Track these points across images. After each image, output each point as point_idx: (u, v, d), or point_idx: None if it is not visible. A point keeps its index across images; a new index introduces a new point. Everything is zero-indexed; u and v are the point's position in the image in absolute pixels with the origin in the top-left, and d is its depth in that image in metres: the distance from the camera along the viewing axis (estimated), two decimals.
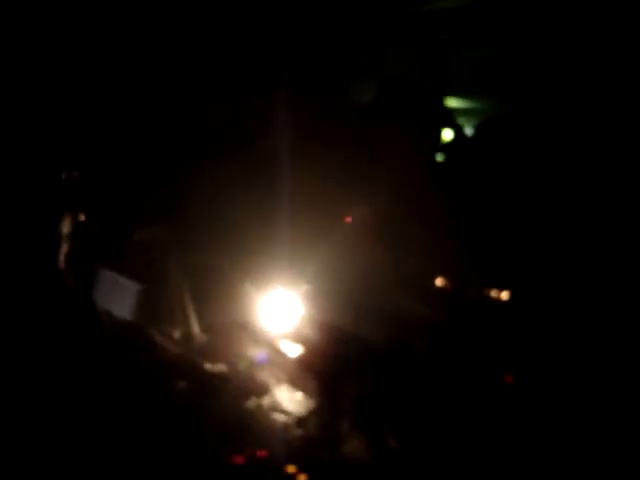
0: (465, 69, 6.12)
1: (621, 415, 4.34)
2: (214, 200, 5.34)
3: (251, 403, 4.74)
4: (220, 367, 4.85)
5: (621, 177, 5.00)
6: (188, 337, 4.99)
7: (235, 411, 4.67)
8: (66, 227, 5.27)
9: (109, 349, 4.79)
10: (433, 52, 6.13)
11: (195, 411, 4.58)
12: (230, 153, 5.52)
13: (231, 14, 5.99)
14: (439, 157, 5.65)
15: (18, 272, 5.00)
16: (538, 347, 4.75)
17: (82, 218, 5.36)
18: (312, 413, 4.70)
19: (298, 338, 4.94)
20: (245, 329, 5.01)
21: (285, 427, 4.65)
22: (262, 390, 4.79)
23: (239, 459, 4.39)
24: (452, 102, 5.96)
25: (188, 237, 5.32)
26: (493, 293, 5.09)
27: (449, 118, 5.80)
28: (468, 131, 5.84)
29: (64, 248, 5.24)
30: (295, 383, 4.83)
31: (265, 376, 4.87)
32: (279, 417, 4.70)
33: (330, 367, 4.77)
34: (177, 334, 5.00)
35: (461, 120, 5.85)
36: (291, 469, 4.35)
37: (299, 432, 4.62)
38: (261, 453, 4.42)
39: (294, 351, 4.93)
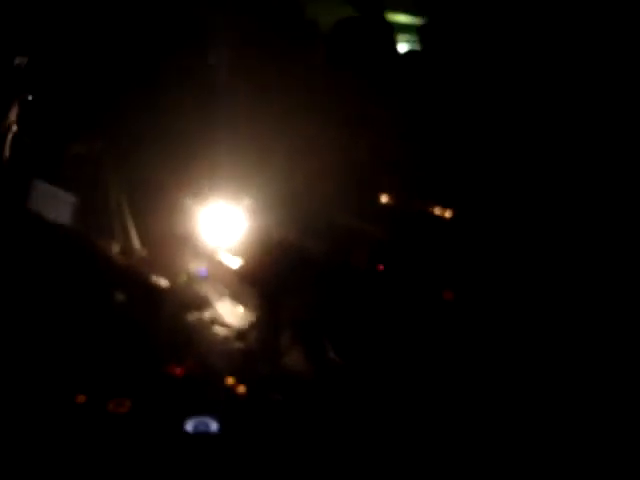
0: None
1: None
2: (157, 114, 5.21)
3: (191, 316, 4.73)
4: (160, 280, 4.81)
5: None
6: (127, 250, 4.92)
7: (175, 324, 4.67)
8: (13, 114, 5.08)
9: (46, 258, 4.69)
10: None
11: (135, 324, 4.56)
12: (176, 68, 5.39)
13: None
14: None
15: None
16: (479, 265, 4.81)
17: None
18: (252, 326, 4.71)
19: (239, 252, 4.91)
20: (186, 243, 4.95)
21: (225, 340, 4.66)
22: (203, 303, 4.78)
23: (178, 371, 4.41)
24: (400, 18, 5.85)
25: (129, 151, 5.20)
26: (437, 210, 5.10)
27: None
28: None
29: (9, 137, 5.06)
30: (236, 297, 4.82)
31: (206, 290, 4.84)
32: (219, 330, 4.70)
33: (271, 281, 4.77)
34: (116, 247, 4.93)
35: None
36: (230, 380, 4.38)
37: (239, 345, 4.64)
38: (200, 365, 4.45)
39: (235, 265, 4.91)
